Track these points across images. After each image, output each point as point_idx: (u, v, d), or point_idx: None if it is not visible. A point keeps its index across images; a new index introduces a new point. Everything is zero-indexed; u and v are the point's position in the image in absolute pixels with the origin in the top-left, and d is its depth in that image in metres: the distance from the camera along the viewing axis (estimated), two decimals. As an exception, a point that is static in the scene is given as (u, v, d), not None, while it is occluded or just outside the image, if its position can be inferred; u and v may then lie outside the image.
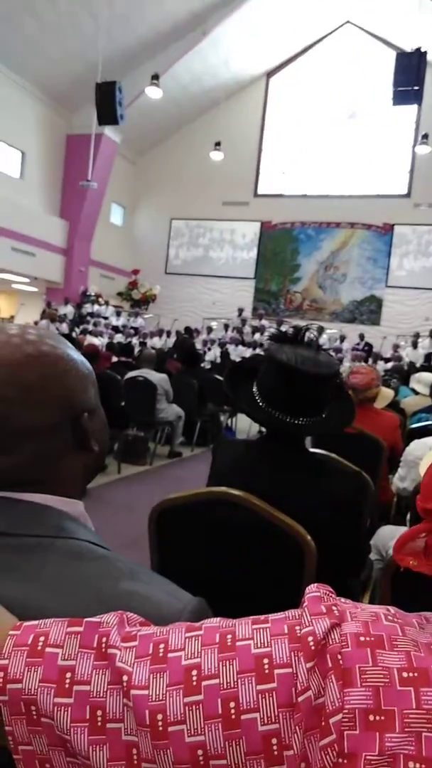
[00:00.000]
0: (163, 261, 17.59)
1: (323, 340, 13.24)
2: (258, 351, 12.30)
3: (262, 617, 0.46)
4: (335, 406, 1.41)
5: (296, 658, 0.41)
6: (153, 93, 12.58)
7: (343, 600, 0.46)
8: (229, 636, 0.43)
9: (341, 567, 1.38)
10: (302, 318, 15.62)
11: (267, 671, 0.41)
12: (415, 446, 2.75)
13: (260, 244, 16.60)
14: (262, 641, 0.43)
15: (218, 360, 11.72)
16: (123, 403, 5.46)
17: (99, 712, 0.43)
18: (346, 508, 1.36)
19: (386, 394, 3.73)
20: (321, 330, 13.71)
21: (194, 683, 0.41)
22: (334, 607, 0.44)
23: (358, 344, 13.19)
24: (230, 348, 12.56)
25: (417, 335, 12.71)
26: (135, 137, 15.99)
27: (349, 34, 15.64)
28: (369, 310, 15.55)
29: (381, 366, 10.97)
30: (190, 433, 6.73)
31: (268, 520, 1.26)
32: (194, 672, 0.42)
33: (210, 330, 13.78)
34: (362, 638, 0.41)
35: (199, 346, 12.20)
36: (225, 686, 0.41)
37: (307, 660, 0.40)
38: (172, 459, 6.15)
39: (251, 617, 0.46)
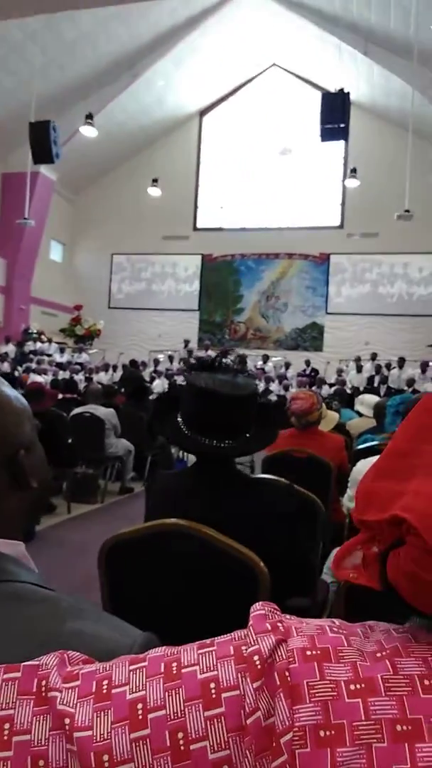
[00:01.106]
0: (105, 296, 17.56)
1: (269, 367, 13.46)
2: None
3: (209, 641, 0.44)
4: (259, 425, 1.46)
5: (243, 679, 0.40)
6: (87, 132, 12.73)
7: (288, 616, 0.45)
8: (174, 664, 0.42)
9: (289, 584, 1.38)
10: (247, 347, 15.86)
11: (214, 696, 0.40)
12: (362, 466, 2.80)
13: (202, 276, 16.85)
14: (208, 665, 0.41)
15: (166, 391, 11.69)
16: (70, 441, 5.34)
17: (41, 762, 0.40)
18: (282, 520, 1.39)
19: (332, 417, 3.81)
20: (266, 358, 13.94)
21: (140, 717, 0.39)
22: (279, 624, 0.43)
23: (304, 370, 13.46)
24: (178, 379, 12.57)
25: (359, 359, 13.11)
26: (72, 175, 16.07)
27: (276, 76, 16.39)
28: (311, 337, 15.95)
29: (326, 390, 11.22)
30: (141, 467, 6.63)
31: (220, 549, 1.26)
32: (140, 705, 0.40)
33: (157, 362, 13.77)
34: (308, 652, 0.40)
35: (146, 378, 12.14)
36: (172, 717, 0.39)
37: (254, 680, 0.39)
38: (123, 495, 6.03)
39: (198, 642, 0.45)
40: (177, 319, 16.87)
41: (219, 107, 17.07)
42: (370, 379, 12.08)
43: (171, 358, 14.13)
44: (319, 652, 0.40)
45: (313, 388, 11.79)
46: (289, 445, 3.23)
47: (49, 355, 14.19)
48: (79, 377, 12.24)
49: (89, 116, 12.49)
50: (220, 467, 1.42)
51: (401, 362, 12.54)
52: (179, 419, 1.44)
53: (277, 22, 13.68)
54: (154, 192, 15.11)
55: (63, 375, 12.56)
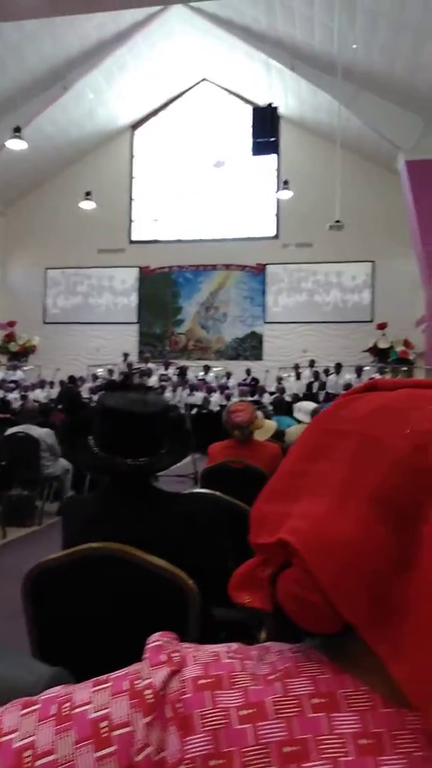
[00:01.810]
0: (40, 311, 17.17)
1: (210, 378, 13.50)
2: (155, 393, 12.25)
3: (105, 677, 0.43)
4: (173, 440, 1.49)
5: (135, 714, 0.39)
6: (15, 145, 12.47)
7: (186, 645, 0.45)
8: (67, 704, 0.41)
9: (219, 596, 1.36)
10: (188, 358, 15.89)
11: (105, 735, 0.39)
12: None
13: (140, 288, 16.77)
14: (101, 703, 0.41)
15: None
16: (3, 462, 5.14)
17: None
18: (204, 532, 1.40)
19: (269, 426, 3.83)
20: (207, 368, 13.99)
21: (27, 765, 0.38)
22: (174, 654, 0.43)
23: (245, 380, 13.59)
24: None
25: (297, 366, 13.35)
26: (2, 188, 15.69)
27: (206, 90, 16.62)
28: (251, 346, 16.15)
29: (267, 398, 11.35)
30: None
31: (147, 569, 1.25)
32: (28, 753, 0.38)
33: (96, 377, 13.55)
34: (201, 681, 0.41)
35: (85, 394, 11.91)
36: (62, 761, 0.38)
37: (145, 714, 0.39)
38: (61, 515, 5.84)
39: (94, 679, 0.44)
40: (115, 332, 16.69)
41: (151, 121, 17.12)
42: (309, 386, 12.31)
43: (111, 372, 13.94)
44: (212, 679, 0.41)
45: (255, 396, 11.91)
46: (227, 457, 3.23)
47: (-18, 374, 13.71)
48: (14, 395, 11.86)
49: (17, 129, 12.23)
50: (136, 486, 1.42)
51: (338, 368, 12.87)
52: (91, 441, 1.44)
53: (206, 38, 13.89)
54: (88, 205, 14.94)
55: (-2, 393, 12.16)
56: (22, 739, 0.39)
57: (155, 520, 1.38)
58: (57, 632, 1.35)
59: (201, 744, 0.38)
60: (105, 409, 1.41)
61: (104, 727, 0.39)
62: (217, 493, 2.17)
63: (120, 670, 0.44)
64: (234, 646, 0.45)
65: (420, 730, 0.38)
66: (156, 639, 0.45)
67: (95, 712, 0.40)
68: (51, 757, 0.38)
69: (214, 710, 0.39)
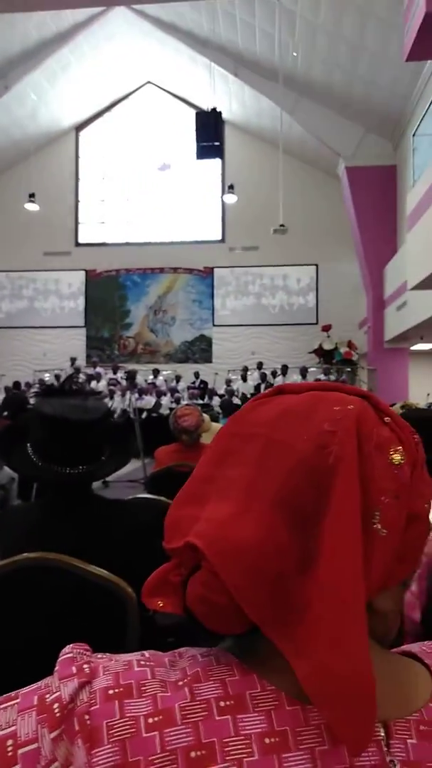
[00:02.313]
0: (-17, 315, 16.68)
1: (159, 381, 13.46)
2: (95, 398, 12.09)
3: (14, 693, 0.43)
4: (114, 447, 1.45)
5: (42, 730, 0.39)
6: None
7: (100, 655, 0.45)
8: None
9: None
10: (138, 362, 15.77)
11: (11, 753, 0.38)
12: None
13: (87, 292, 16.54)
14: (8, 721, 0.40)
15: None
16: None
17: None
18: (145, 535, 1.37)
19: (215, 428, 3.87)
20: (156, 372, 13.95)
21: None
22: (85, 666, 0.43)
23: (193, 383, 13.60)
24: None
25: (245, 369, 13.49)
26: None
27: (151, 93, 16.57)
28: (200, 349, 16.18)
29: (216, 401, 11.43)
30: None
31: (84, 577, 1.22)
32: None
33: (42, 382, 13.26)
34: (111, 691, 0.40)
35: (32, 400, 11.64)
36: None
37: (52, 729, 0.39)
38: (8, 525, 5.72)
39: (3, 696, 0.43)
40: (62, 336, 16.40)
41: (95, 123, 16.92)
42: (257, 387, 12.45)
43: (58, 377, 13.66)
44: (121, 689, 0.40)
45: (204, 399, 11.97)
46: (173, 461, 3.23)
47: None
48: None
49: None
50: (76, 494, 1.39)
51: (284, 369, 13.07)
52: (29, 449, 1.39)
53: (150, 41, 13.86)
54: (32, 207, 14.63)
55: None
56: None
57: (95, 528, 1.36)
58: None
59: (108, 755, 0.37)
60: (42, 416, 1.35)
61: (10, 746, 0.38)
62: (162, 498, 2.19)
63: (30, 686, 0.44)
64: (147, 654, 0.46)
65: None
66: (68, 651, 0.45)
67: (1, 730, 0.39)
68: None
69: (123, 719, 0.39)
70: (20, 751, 0.38)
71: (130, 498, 2.03)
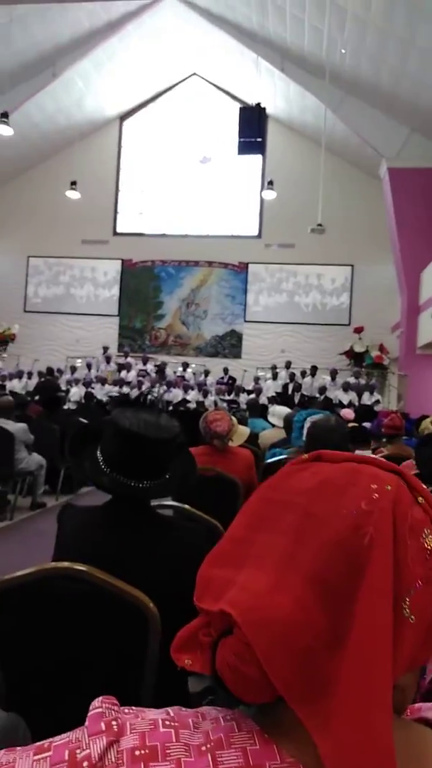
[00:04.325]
0: (21, 299, 16.98)
1: (188, 374, 13.54)
2: (124, 389, 12.25)
3: (47, 743, 0.45)
4: (177, 464, 1.47)
5: None
6: (2, 131, 12.28)
7: (126, 711, 0.47)
8: None
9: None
10: (168, 353, 15.88)
11: None
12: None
13: (122, 281, 16.68)
14: None
15: (82, 400, 11.47)
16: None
17: None
18: (189, 564, 1.38)
19: (243, 431, 3.85)
20: (185, 365, 14.02)
21: None
22: (114, 723, 0.44)
23: (222, 378, 13.64)
24: (96, 387, 12.37)
25: (274, 367, 13.46)
26: (-14, 173, 15.46)
27: (196, 85, 16.53)
28: (230, 344, 16.20)
29: (244, 398, 11.44)
30: (54, 481, 6.48)
31: (111, 592, 1.25)
32: None
33: (74, 369, 13.49)
34: (137, 752, 0.42)
35: (63, 386, 11.85)
36: None
37: None
38: (35, 510, 5.87)
39: (36, 745, 0.45)
40: (96, 324, 16.60)
41: (140, 113, 16.99)
42: (285, 387, 12.41)
43: (89, 366, 13.88)
44: (147, 751, 0.42)
45: (232, 395, 12.00)
46: (202, 464, 3.25)
47: (-41, 361, 13.54)
48: (-8, 385, 11.76)
49: (4, 114, 12.05)
50: (135, 507, 1.42)
51: (314, 370, 12.99)
52: (98, 454, 1.42)
53: (198, 33, 13.83)
54: (73, 195, 14.79)
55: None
56: None
57: (139, 544, 1.38)
58: (17, 650, 1.34)
59: None
60: (117, 428, 1.37)
61: None
62: (186, 506, 2.24)
63: (62, 736, 0.45)
64: (171, 712, 0.47)
65: None
66: (97, 705, 0.46)
67: None
68: None
69: None
70: None
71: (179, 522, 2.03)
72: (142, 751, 0.42)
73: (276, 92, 14.31)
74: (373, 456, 0.57)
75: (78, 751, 0.43)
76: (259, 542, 0.47)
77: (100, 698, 0.48)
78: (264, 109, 11.34)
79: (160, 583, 1.30)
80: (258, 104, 11.28)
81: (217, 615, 0.46)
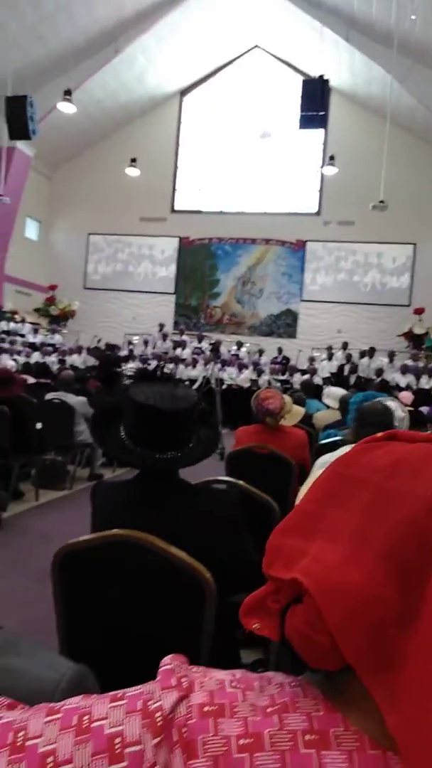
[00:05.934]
0: (81, 276, 17.36)
1: (243, 353, 13.54)
2: (180, 366, 12.39)
3: (120, 693, 0.47)
4: (201, 434, 1.50)
5: (146, 734, 0.42)
6: (65, 108, 12.46)
7: (195, 669, 0.49)
8: (86, 717, 0.44)
9: (238, 585, 1.38)
10: (223, 332, 15.90)
11: (118, 751, 0.42)
12: (325, 459, 2.87)
13: (179, 259, 16.76)
14: (116, 720, 0.44)
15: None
16: (39, 427, 5.36)
17: None
18: (224, 525, 1.43)
19: (297, 411, 3.85)
20: (240, 344, 14.02)
21: None
22: (183, 679, 0.46)
23: (276, 357, 13.58)
24: (152, 364, 12.55)
25: (330, 348, 13.26)
26: (49, 151, 15.75)
27: (258, 58, 16.20)
28: (285, 324, 16.05)
29: (297, 378, 11.37)
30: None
31: (167, 558, 1.29)
32: (50, 759, 0.42)
33: (131, 345, 13.74)
34: (206, 708, 0.44)
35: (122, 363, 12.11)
36: None
37: (154, 735, 0.42)
38: (92, 481, 6.08)
39: (111, 693, 0.48)
40: (153, 301, 16.80)
41: (200, 87, 16.84)
42: (341, 368, 12.23)
43: (146, 343, 14.10)
44: (215, 707, 0.44)
45: (285, 375, 11.93)
46: (253, 442, 3.27)
47: (23, 336, 14.04)
48: (52, 359, 12.15)
49: (67, 92, 12.21)
50: (164, 478, 1.45)
51: (371, 352, 12.72)
52: (122, 432, 1.46)
53: (260, 3, 13.50)
54: (133, 172, 14.90)
55: (36, 356, 12.47)
56: (45, 745, 0.42)
57: (177, 513, 1.42)
58: (80, 612, 1.39)
59: None
60: (134, 403, 1.40)
61: (118, 743, 0.42)
62: (241, 482, 2.27)
63: (135, 688, 0.47)
64: (238, 674, 0.48)
65: None
66: (168, 662, 0.48)
67: (110, 728, 0.43)
68: (70, 766, 0.41)
69: (216, 737, 0.42)
70: (127, 750, 0.42)
71: (211, 484, 2.07)
72: (211, 708, 0.44)
73: (340, 63, 13.87)
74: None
75: (151, 702, 0.44)
76: (330, 516, 0.48)
77: (171, 656, 0.50)
78: (327, 81, 10.99)
79: (200, 549, 1.32)
80: (321, 76, 10.95)
81: (287, 583, 0.47)
